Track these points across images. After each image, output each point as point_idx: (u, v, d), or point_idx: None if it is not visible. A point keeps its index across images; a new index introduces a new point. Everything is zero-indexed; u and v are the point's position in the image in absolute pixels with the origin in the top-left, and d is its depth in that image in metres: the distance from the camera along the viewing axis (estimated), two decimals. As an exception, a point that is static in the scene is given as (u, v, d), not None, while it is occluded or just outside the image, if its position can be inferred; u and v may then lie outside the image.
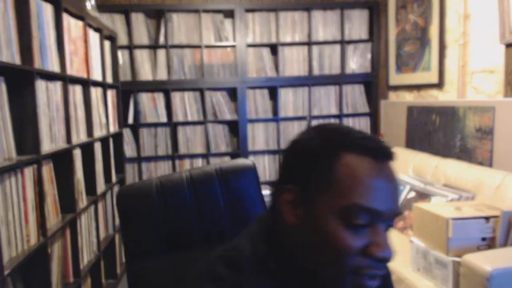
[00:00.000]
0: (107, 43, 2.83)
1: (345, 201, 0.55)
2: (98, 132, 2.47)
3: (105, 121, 2.63)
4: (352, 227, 0.55)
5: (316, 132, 0.61)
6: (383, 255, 0.55)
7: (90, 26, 2.42)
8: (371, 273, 0.56)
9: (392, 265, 0.61)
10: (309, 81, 3.70)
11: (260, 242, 0.62)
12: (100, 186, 2.44)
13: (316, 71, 3.72)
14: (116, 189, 2.84)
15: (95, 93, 2.45)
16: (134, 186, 0.98)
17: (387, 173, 0.57)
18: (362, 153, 0.56)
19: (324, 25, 3.70)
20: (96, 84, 2.48)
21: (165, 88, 3.53)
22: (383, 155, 0.58)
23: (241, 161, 1.05)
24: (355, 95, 3.82)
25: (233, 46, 3.58)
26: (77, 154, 2.09)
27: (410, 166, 2.75)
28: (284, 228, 0.61)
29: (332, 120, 3.82)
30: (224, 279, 0.58)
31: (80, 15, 2.19)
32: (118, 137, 3.00)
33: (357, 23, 3.74)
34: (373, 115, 3.81)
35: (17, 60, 1.54)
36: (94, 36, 2.50)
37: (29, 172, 1.57)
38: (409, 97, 3.27)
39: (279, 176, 0.64)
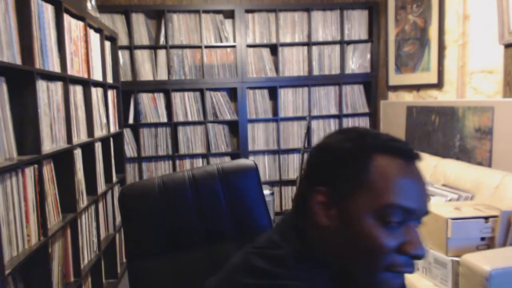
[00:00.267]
0: (107, 44, 2.83)
1: (380, 201, 0.56)
2: (99, 132, 2.47)
3: (106, 121, 2.64)
4: (387, 226, 0.57)
5: (345, 136, 0.63)
6: (417, 252, 0.57)
7: (91, 26, 2.42)
8: (404, 270, 0.58)
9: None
10: (309, 81, 3.71)
11: (294, 240, 0.63)
12: (101, 186, 2.45)
13: (316, 71, 3.73)
14: (116, 189, 2.84)
15: (96, 93, 2.45)
16: (136, 185, 0.98)
17: (416, 173, 0.60)
18: (393, 155, 0.59)
19: (324, 25, 3.71)
20: (96, 84, 2.49)
21: (165, 88, 3.54)
22: (412, 156, 0.61)
23: (242, 161, 1.06)
24: (354, 95, 3.83)
25: (233, 46, 3.58)
26: (78, 154, 2.09)
27: (409, 166, 2.75)
28: (314, 228, 0.62)
29: (332, 120, 3.84)
30: (263, 270, 0.59)
31: (81, 16, 2.19)
32: (118, 137, 3.01)
33: (357, 24, 3.75)
34: (373, 115, 3.82)
35: (18, 60, 1.54)
36: (94, 37, 2.50)
37: (29, 172, 1.57)
38: (409, 97, 3.28)
39: (305, 178, 0.65)
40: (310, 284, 0.58)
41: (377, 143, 0.60)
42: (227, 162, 1.04)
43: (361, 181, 0.58)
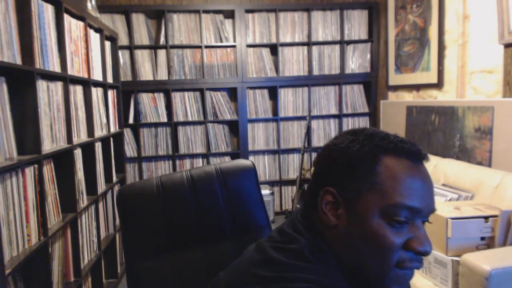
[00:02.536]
0: (107, 44, 2.83)
1: (388, 201, 0.58)
2: (99, 132, 2.48)
3: (106, 121, 2.64)
4: (393, 225, 0.59)
5: (353, 137, 0.64)
6: (424, 248, 0.59)
7: (91, 26, 2.43)
8: (412, 265, 0.60)
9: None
10: (309, 81, 3.71)
11: (308, 235, 0.64)
12: (101, 186, 2.45)
13: (316, 71, 3.73)
14: (116, 188, 2.85)
15: (96, 93, 2.46)
16: (135, 185, 0.98)
17: (423, 173, 0.62)
18: (401, 156, 0.61)
19: (324, 25, 3.71)
20: (96, 84, 2.49)
21: (165, 88, 3.54)
22: (419, 156, 0.62)
23: (240, 162, 1.06)
24: (354, 95, 3.83)
25: (233, 46, 3.59)
26: (78, 154, 2.10)
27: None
28: (323, 226, 0.63)
29: (332, 120, 3.84)
30: (281, 263, 0.60)
31: (81, 16, 2.19)
32: (118, 137, 3.01)
33: (357, 24, 3.75)
34: (373, 115, 3.82)
35: (18, 60, 1.55)
36: (94, 37, 2.50)
37: (30, 172, 1.57)
38: (409, 97, 3.28)
39: (315, 179, 0.67)
40: (326, 277, 0.59)
41: (384, 145, 0.61)
42: (225, 162, 1.05)
43: (369, 182, 0.59)
